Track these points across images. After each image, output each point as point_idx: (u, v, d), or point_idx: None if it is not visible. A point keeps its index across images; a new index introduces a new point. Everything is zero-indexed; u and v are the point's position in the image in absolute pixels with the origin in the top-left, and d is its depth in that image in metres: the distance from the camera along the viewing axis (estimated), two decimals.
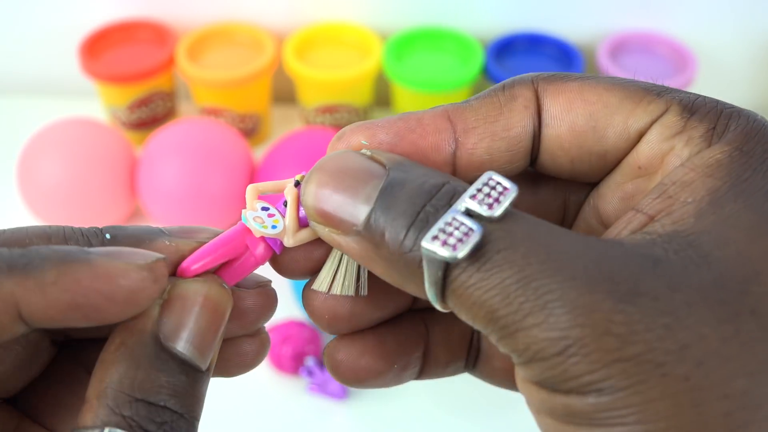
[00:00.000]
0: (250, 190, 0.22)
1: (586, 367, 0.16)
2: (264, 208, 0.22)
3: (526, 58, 0.69)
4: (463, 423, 0.52)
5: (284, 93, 0.73)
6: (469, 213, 0.18)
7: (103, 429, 0.18)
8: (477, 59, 0.66)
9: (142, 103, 0.68)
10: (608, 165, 0.22)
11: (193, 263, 0.22)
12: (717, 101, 0.21)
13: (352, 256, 0.20)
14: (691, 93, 0.21)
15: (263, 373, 0.52)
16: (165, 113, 0.70)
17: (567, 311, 0.17)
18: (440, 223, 0.18)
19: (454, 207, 0.18)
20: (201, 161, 0.57)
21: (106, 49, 0.68)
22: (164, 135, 0.59)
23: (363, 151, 0.21)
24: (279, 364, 0.51)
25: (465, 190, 0.19)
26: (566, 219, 0.24)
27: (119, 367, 0.19)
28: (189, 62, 0.66)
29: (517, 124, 0.21)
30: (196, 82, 0.66)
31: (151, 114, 0.69)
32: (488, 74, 0.66)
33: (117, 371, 0.19)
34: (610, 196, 0.22)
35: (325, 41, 0.70)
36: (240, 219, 0.22)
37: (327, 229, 0.20)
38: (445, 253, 0.17)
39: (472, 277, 0.17)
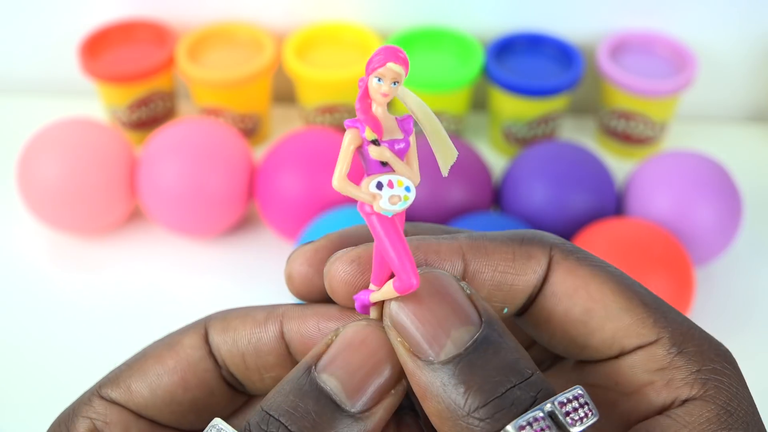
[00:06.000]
0: (344, 186, 0.20)
1: None
2: (379, 186, 0.20)
3: (526, 58, 0.69)
4: None
5: (284, 93, 0.73)
6: (551, 416, 0.19)
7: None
8: (477, 59, 0.66)
9: (142, 103, 0.68)
10: (581, 356, 0.23)
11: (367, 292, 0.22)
12: (705, 340, 0.22)
13: (412, 382, 0.20)
14: (684, 322, 0.22)
15: None
16: (165, 113, 0.70)
17: None
18: (529, 416, 0.19)
19: (542, 405, 0.19)
20: (201, 161, 0.57)
21: (106, 49, 0.68)
22: (164, 135, 0.59)
23: (462, 284, 0.21)
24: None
25: (550, 390, 0.19)
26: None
27: (275, 388, 0.21)
28: (189, 62, 0.66)
29: (520, 284, 0.22)
30: (196, 82, 0.66)
31: (151, 114, 0.69)
32: (488, 74, 0.66)
33: (272, 390, 0.21)
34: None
35: (325, 41, 0.70)
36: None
37: (399, 339, 0.20)
38: None
39: None
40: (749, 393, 0.21)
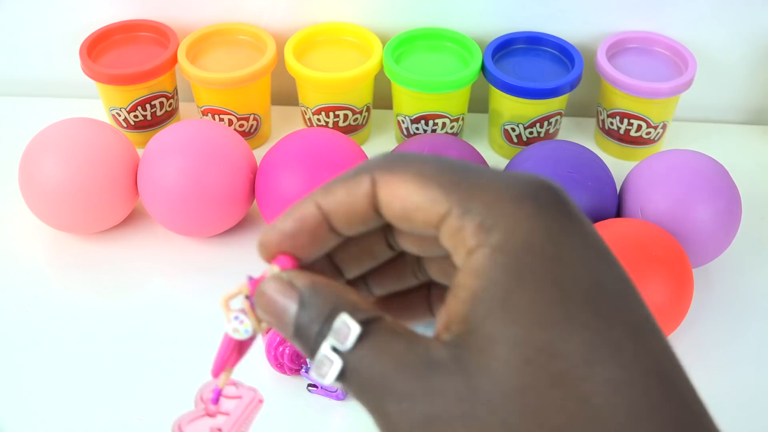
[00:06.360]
0: (222, 305, 0.28)
1: None
2: (236, 317, 0.28)
3: (526, 58, 0.69)
4: None
5: (284, 93, 0.74)
6: (334, 347, 0.24)
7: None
8: (477, 60, 0.66)
9: (143, 104, 0.68)
10: (423, 243, 0.27)
11: (217, 369, 0.30)
12: (501, 188, 0.23)
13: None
14: (477, 182, 0.24)
15: (263, 373, 0.52)
16: (166, 114, 0.70)
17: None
18: (317, 360, 0.24)
19: (324, 345, 0.24)
20: (202, 162, 0.58)
21: (107, 50, 0.69)
22: (165, 135, 0.60)
23: (282, 274, 0.27)
24: (279, 365, 0.51)
25: (335, 321, 0.24)
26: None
27: None
28: (190, 63, 0.66)
29: (360, 207, 0.26)
30: (197, 83, 0.66)
31: (152, 115, 0.69)
32: (488, 75, 0.66)
33: None
34: (434, 266, 0.29)
35: (326, 42, 0.71)
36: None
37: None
38: (320, 379, 0.24)
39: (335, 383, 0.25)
40: (544, 223, 0.22)
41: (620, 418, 0.20)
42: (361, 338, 0.24)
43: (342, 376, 0.24)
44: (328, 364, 0.24)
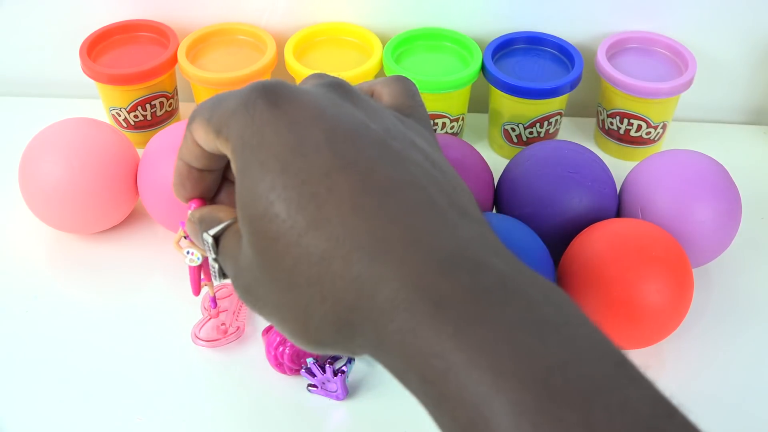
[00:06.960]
0: (174, 247, 0.39)
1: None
2: (188, 252, 0.38)
3: (526, 58, 0.69)
4: None
5: None
6: (215, 258, 0.33)
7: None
8: (477, 60, 0.66)
9: (143, 104, 0.68)
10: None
11: (195, 290, 0.41)
12: (224, 108, 0.29)
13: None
14: (220, 106, 0.30)
15: (263, 373, 0.52)
16: (166, 114, 0.70)
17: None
18: (210, 268, 0.34)
19: (209, 256, 0.33)
20: None
21: (107, 50, 0.69)
22: (165, 135, 0.60)
23: (189, 214, 0.35)
24: (279, 365, 0.51)
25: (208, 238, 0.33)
26: None
27: None
28: (190, 63, 0.66)
29: (197, 152, 0.33)
30: (197, 83, 0.66)
31: (152, 115, 0.69)
32: (488, 75, 0.66)
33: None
34: None
35: (326, 42, 0.71)
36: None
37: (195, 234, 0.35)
38: (216, 281, 0.35)
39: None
40: (251, 119, 0.28)
41: (323, 245, 0.26)
42: (219, 245, 0.32)
43: (223, 275, 0.33)
44: (213, 269, 0.33)
